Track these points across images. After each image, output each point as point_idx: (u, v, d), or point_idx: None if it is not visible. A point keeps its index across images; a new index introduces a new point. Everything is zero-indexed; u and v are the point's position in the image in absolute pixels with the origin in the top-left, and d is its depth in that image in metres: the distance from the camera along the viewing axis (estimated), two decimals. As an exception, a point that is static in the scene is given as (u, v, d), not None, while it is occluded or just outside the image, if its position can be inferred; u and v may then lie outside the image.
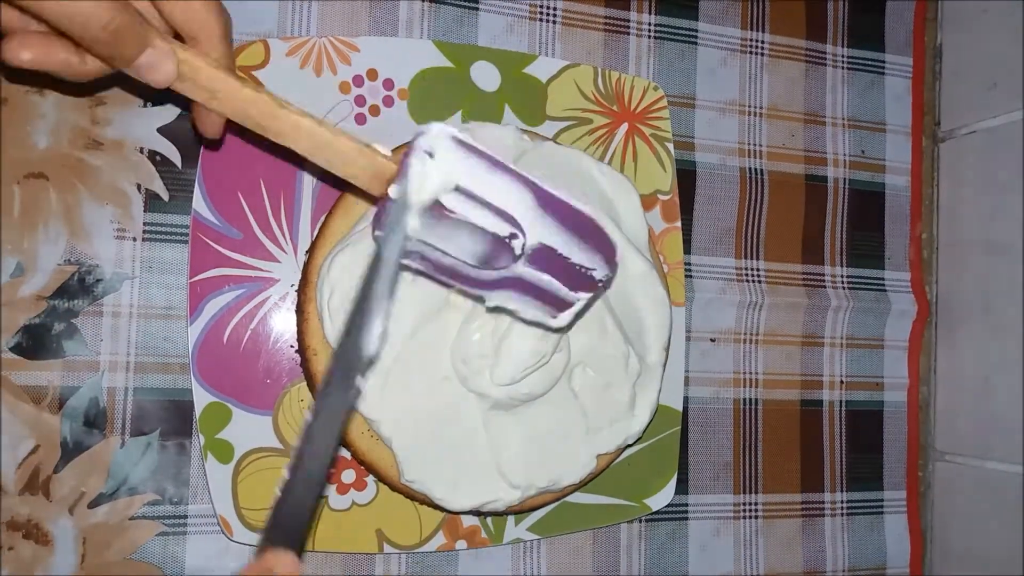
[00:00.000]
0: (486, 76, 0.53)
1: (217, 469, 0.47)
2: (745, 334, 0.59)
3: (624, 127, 0.56)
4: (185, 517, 0.48)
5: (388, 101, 0.51)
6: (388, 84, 0.51)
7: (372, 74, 0.51)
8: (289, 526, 0.32)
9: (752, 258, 0.60)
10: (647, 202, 0.55)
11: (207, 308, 0.48)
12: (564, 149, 0.51)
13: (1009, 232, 0.59)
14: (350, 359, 0.34)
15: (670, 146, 0.56)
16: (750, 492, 0.59)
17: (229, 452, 0.47)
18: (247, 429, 0.48)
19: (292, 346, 0.49)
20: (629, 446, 0.52)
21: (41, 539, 0.46)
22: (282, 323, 0.49)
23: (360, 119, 0.51)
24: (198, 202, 0.48)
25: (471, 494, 0.47)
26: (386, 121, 0.51)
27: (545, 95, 0.54)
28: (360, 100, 0.51)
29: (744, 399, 0.59)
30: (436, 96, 0.52)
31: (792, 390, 0.60)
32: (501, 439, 0.48)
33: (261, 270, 0.49)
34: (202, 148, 0.48)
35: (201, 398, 0.47)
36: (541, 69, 0.54)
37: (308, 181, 0.50)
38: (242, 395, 0.48)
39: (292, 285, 0.49)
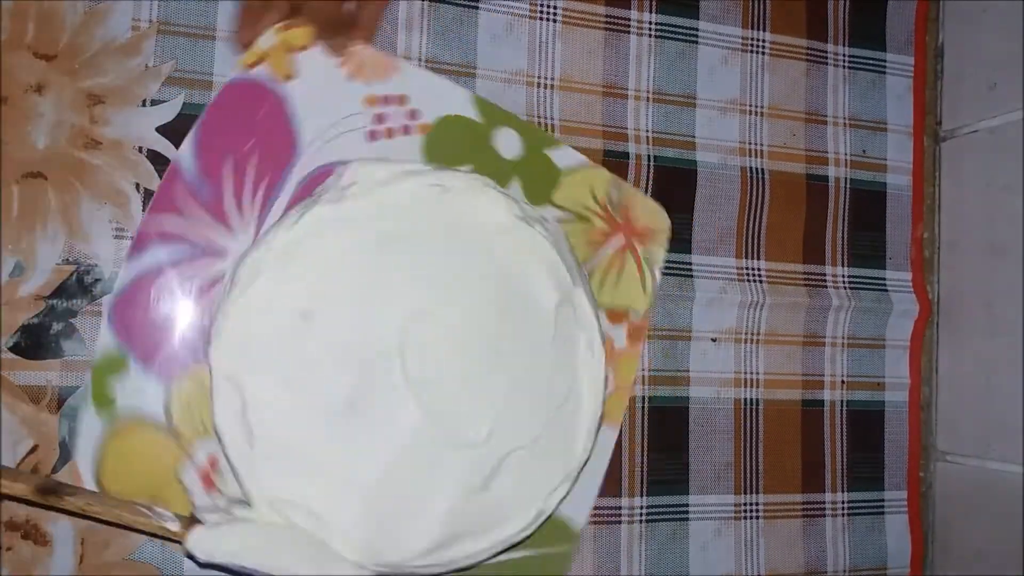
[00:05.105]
0: (508, 143, 0.52)
1: (93, 421, 0.45)
2: (746, 334, 0.59)
3: (620, 240, 0.54)
4: (184, 517, 0.48)
5: (407, 130, 0.50)
6: (413, 115, 0.51)
7: (402, 99, 0.50)
8: None
9: (753, 258, 0.60)
10: (617, 315, 0.54)
11: (150, 252, 0.46)
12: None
13: (1011, 232, 0.59)
14: None
15: (658, 274, 0.55)
16: (751, 492, 0.59)
17: (111, 407, 0.45)
18: (137, 389, 0.45)
19: None
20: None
21: (40, 539, 0.46)
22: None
23: (372, 135, 0.50)
24: (186, 145, 0.47)
25: None
26: (396, 148, 0.50)
27: (557, 183, 0.53)
28: (379, 118, 0.50)
29: (745, 399, 0.59)
30: (453, 144, 0.51)
31: (793, 390, 0.60)
32: None
33: (216, 241, 0.47)
34: (213, 99, 0.48)
35: (106, 340, 0.45)
36: (563, 157, 0.53)
37: (296, 175, 0.49)
38: (147, 353, 0.46)
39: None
